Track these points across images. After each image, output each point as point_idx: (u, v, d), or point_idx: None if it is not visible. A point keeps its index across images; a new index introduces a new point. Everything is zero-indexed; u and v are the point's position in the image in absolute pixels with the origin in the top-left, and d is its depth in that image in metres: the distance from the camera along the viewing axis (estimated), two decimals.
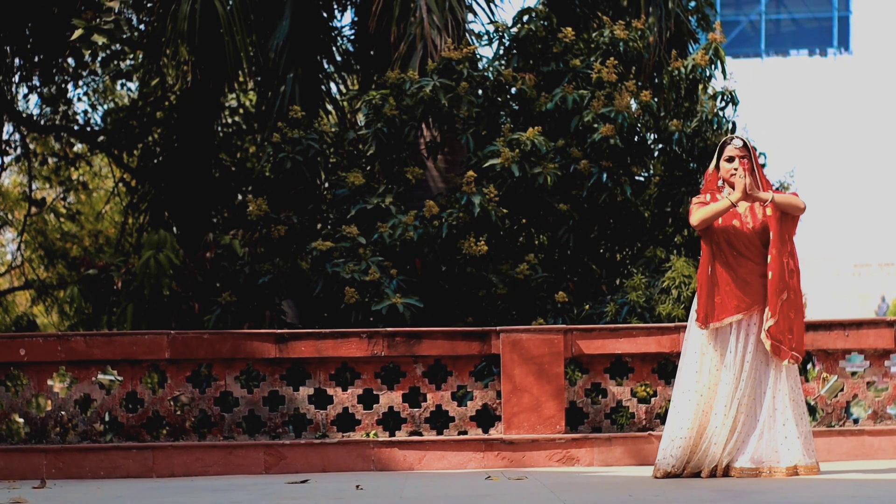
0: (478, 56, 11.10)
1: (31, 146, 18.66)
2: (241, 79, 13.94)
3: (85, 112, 18.36)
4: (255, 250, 10.57)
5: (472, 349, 8.04)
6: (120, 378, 8.02)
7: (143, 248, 11.02)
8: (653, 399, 8.17)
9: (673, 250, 10.77)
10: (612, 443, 7.95)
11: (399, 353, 8.01)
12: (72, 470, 7.75)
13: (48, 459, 7.75)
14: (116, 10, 11.20)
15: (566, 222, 10.58)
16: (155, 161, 15.95)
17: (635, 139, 10.87)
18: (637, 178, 11.07)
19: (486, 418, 8.15)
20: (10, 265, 23.03)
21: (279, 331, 8.14)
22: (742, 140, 6.73)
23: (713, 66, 11.14)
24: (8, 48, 15.31)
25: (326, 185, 11.24)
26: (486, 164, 10.30)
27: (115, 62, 16.89)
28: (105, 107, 18.61)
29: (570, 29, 11.27)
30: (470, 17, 12.40)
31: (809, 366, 8.39)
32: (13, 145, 18.37)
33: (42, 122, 17.87)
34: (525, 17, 11.44)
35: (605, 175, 10.41)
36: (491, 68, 11.10)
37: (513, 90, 11.07)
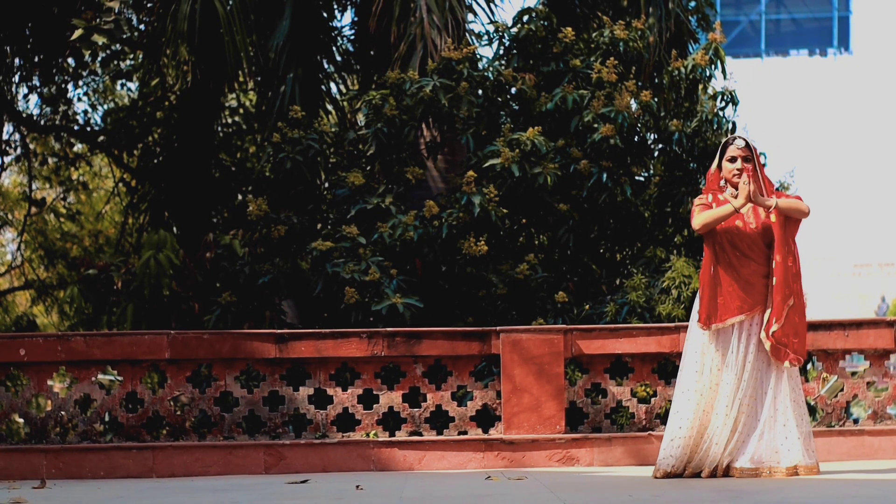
0: (478, 56, 11.10)
1: (31, 146, 18.66)
2: (241, 79, 13.94)
3: (85, 112, 18.37)
4: (255, 250, 10.57)
5: (472, 349, 8.03)
6: (120, 378, 8.02)
7: (143, 248, 11.01)
8: (653, 399, 8.17)
9: (673, 250, 10.77)
10: (612, 443, 7.95)
11: (399, 353, 8.01)
12: (72, 470, 7.75)
13: (48, 459, 7.75)
14: (116, 10, 11.20)
15: (566, 222, 10.58)
16: (155, 161, 15.95)
17: (635, 139, 10.87)
18: (637, 178, 11.07)
19: (486, 418, 8.15)
20: (10, 265, 23.03)
21: (279, 331, 8.14)
22: (745, 140, 6.72)
23: (713, 66, 11.14)
24: (8, 48, 15.31)
25: (326, 185, 11.24)
26: (486, 164, 10.30)
27: (115, 62, 16.89)
28: (105, 107, 18.61)
29: (570, 29, 11.27)
30: (470, 17, 12.40)
31: (809, 366, 8.39)
32: (13, 145, 18.38)
33: (42, 122, 17.87)
34: (525, 17, 11.44)
35: (605, 175, 10.40)
36: (491, 68, 11.10)
37: (513, 90, 11.07)
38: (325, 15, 12.89)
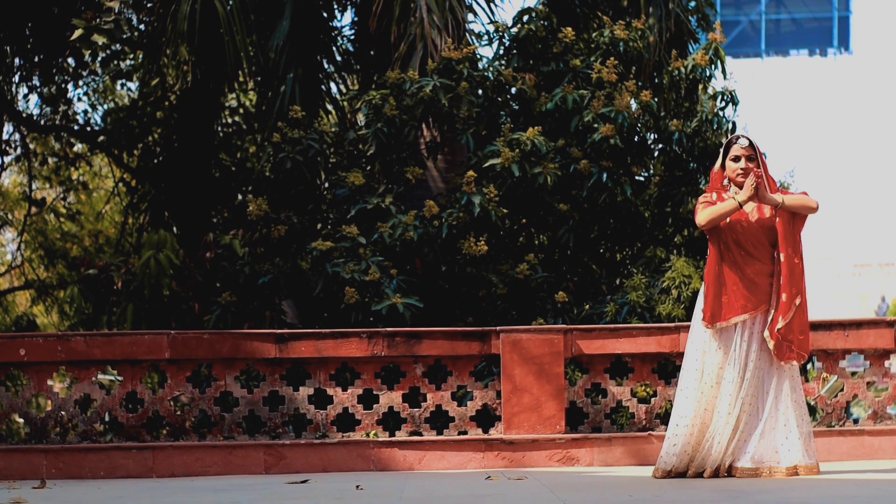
0: (478, 56, 11.10)
1: (31, 146, 18.66)
2: (241, 79, 13.94)
3: (85, 112, 18.37)
4: (255, 250, 10.57)
5: (472, 349, 8.03)
6: (120, 378, 8.01)
7: (143, 248, 11.02)
8: (653, 399, 8.17)
9: (673, 250, 10.77)
10: (612, 443, 7.95)
11: (399, 353, 8.01)
12: (72, 470, 7.75)
13: (48, 459, 7.75)
14: (116, 10, 11.19)
15: (566, 222, 10.58)
16: (155, 161, 15.95)
17: (635, 139, 10.87)
18: (637, 178, 11.07)
19: (486, 418, 8.15)
20: (10, 265, 23.03)
21: (279, 331, 8.14)
22: (748, 139, 6.71)
23: (713, 66, 11.14)
24: (8, 48, 15.31)
25: (326, 185, 11.24)
26: (486, 164, 10.30)
27: (115, 62, 16.89)
28: (105, 107, 18.62)
29: (570, 29, 11.27)
30: (470, 17, 12.40)
31: (809, 366, 8.39)
32: (13, 145, 18.38)
33: (42, 122, 17.87)
34: (525, 17, 11.44)
35: (605, 175, 10.40)
36: (491, 68, 11.10)
37: (513, 90, 11.07)
38: (325, 15, 12.89)
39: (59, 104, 17.27)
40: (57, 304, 19.94)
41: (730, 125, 10.93)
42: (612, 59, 10.96)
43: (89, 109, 18.45)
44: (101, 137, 17.48)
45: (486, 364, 8.43)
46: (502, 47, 11.61)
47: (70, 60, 16.73)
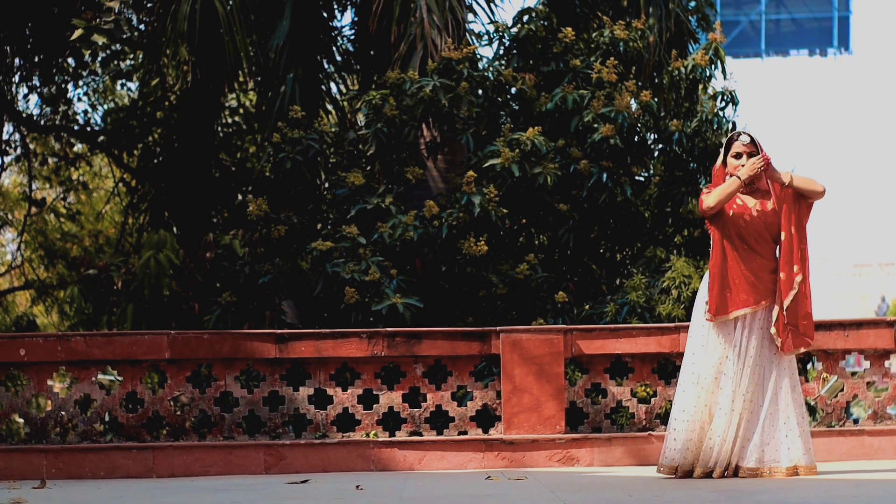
0: (478, 56, 11.10)
1: (31, 146, 18.67)
2: (241, 79, 13.94)
3: (85, 112, 18.37)
4: (255, 250, 10.57)
5: (472, 349, 8.03)
6: (120, 378, 8.01)
7: (143, 248, 11.01)
8: (653, 399, 8.17)
9: (673, 250, 10.77)
10: (612, 443, 7.95)
11: (399, 353, 8.01)
12: (72, 470, 7.75)
13: (48, 459, 7.75)
14: (116, 10, 11.19)
15: (566, 222, 10.58)
16: (155, 161, 15.95)
17: (635, 139, 10.87)
18: (637, 178, 11.07)
19: (486, 418, 8.15)
20: (10, 265, 23.03)
21: (279, 331, 8.14)
22: (749, 136, 6.71)
23: (713, 66, 11.14)
24: (8, 48, 15.31)
25: (326, 185, 11.24)
26: (486, 164, 10.30)
27: (115, 62, 16.89)
28: (105, 107, 18.62)
29: (570, 29, 11.27)
30: (470, 17, 12.40)
31: (809, 366, 8.39)
32: (13, 145, 18.38)
33: (42, 122, 17.87)
34: (525, 17, 11.44)
35: (605, 175, 10.40)
36: (491, 68, 11.10)
37: (513, 90, 11.08)
38: (325, 15, 12.89)
39: (59, 104, 17.27)
40: (57, 304, 19.94)
41: (730, 125, 10.93)
42: (612, 59, 10.96)
43: (89, 109, 18.47)
44: (101, 137, 17.48)
45: (486, 364, 8.43)
46: (502, 47, 11.61)
47: (70, 60, 16.73)
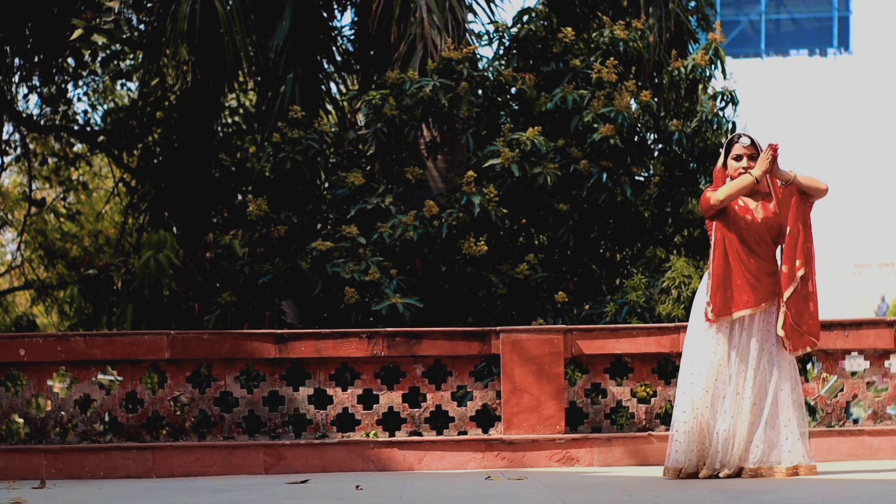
0: (478, 56, 11.10)
1: (31, 146, 18.67)
2: (241, 79, 13.94)
3: (85, 112, 18.37)
4: (255, 250, 10.57)
5: (472, 349, 8.03)
6: (120, 378, 8.01)
7: (143, 248, 11.01)
8: (653, 399, 8.17)
9: (673, 250, 10.77)
10: (612, 443, 7.95)
11: (399, 354, 8.01)
12: (72, 470, 7.75)
13: (48, 459, 7.75)
14: (116, 10, 11.20)
15: (566, 222, 10.58)
16: (155, 161, 15.95)
17: (635, 139, 10.87)
18: (637, 178, 11.07)
19: (485, 418, 8.15)
20: (10, 265, 23.03)
21: (279, 331, 8.14)
22: (750, 138, 6.71)
23: (713, 66, 11.14)
24: (8, 48, 15.31)
25: (326, 185, 11.24)
26: (486, 164, 10.30)
27: (115, 62, 16.89)
28: (105, 107, 18.62)
29: (570, 29, 11.27)
30: (470, 17, 12.40)
31: (809, 366, 8.39)
32: (13, 145, 18.38)
33: (42, 122, 17.88)
34: (525, 17, 11.44)
35: (605, 175, 10.40)
36: (491, 68, 11.10)
37: (513, 90, 11.08)
38: (325, 15, 12.90)
39: (59, 104, 17.27)
40: (57, 304, 19.94)
41: (730, 125, 10.93)
42: (611, 59, 10.96)
43: (89, 109, 18.46)
44: (101, 137, 17.48)
45: (486, 364, 8.43)
46: (502, 47, 11.62)
47: (70, 60, 16.73)
